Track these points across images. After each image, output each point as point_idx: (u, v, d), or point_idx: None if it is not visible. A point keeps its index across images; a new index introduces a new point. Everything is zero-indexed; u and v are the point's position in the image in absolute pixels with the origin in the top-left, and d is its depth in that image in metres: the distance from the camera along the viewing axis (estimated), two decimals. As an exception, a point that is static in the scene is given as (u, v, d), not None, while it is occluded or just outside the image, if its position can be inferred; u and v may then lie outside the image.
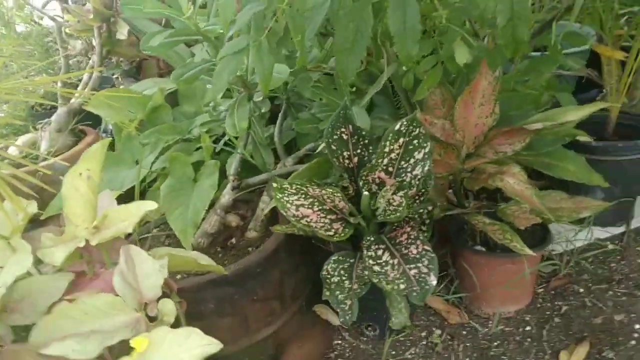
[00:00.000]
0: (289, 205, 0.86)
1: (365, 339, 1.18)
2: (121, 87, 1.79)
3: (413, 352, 1.14)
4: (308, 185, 0.86)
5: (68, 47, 2.21)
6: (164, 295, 0.64)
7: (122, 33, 1.61)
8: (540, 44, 1.42)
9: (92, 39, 1.70)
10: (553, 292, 1.24)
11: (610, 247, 1.37)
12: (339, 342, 1.19)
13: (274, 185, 0.86)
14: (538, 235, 1.15)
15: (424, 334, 1.18)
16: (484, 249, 1.10)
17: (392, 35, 0.77)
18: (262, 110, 1.32)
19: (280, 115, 1.23)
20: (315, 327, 1.17)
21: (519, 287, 1.10)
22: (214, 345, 0.52)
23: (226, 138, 1.16)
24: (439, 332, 1.18)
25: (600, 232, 1.42)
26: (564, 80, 1.86)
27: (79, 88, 1.78)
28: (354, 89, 1.12)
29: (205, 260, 0.74)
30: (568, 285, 1.25)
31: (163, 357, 0.50)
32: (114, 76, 2.08)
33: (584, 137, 1.32)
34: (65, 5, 1.76)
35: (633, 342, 1.09)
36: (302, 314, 1.16)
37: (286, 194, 0.86)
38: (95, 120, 1.75)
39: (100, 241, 0.60)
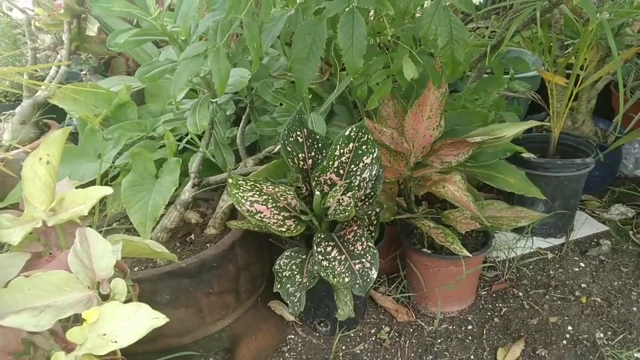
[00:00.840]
0: (244, 200, 0.91)
1: (317, 334, 1.23)
2: (89, 83, 1.80)
3: (362, 347, 1.19)
4: (262, 183, 0.91)
5: (37, 40, 2.20)
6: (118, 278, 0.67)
7: (92, 30, 1.64)
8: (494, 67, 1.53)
9: (62, 33, 1.72)
10: (494, 294, 1.33)
11: (550, 256, 1.47)
12: (292, 336, 1.23)
13: (230, 180, 0.91)
14: (480, 240, 1.23)
15: (373, 330, 1.24)
16: (429, 251, 1.17)
17: (340, 48, 0.85)
18: (228, 113, 1.37)
19: (243, 117, 1.29)
20: (269, 322, 1.21)
21: (462, 289, 1.19)
22: (160, 319, 0.57)
23: (189, 137, 1.21)
24: (387, 329, 1.24)
25: (542, 243, 1.53)
26: (517, 103, 2.00)
27: (45, 81, 1.79)
28: (310, 96, 1.19)
29: (159, 247, 0.78)
30: (508, 289, 1.34)
31: (112, 327, 0.54)
32: (82, 72, 2.09)
33: (527, 154, 1.43)
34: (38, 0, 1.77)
35: (564, 341, 1.18)
36: (257, 308, 1.21)
37: (241, 190, 0.92)
38: (60, 115, 1.75)
39: (57, 222, 0.63)
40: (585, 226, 1.60)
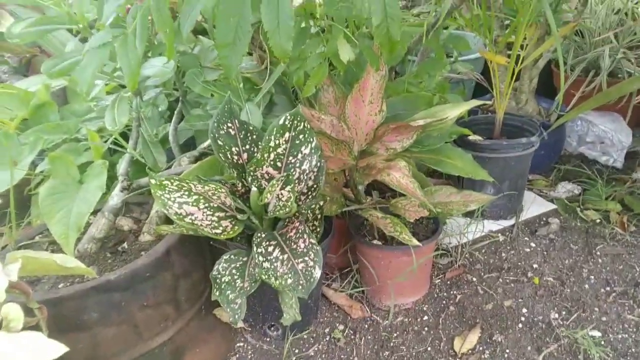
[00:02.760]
0: (170, 202, 0.83)
1: (268, 339, 1.16)
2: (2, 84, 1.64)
3: (316, 348, 1.14)
4: (190, 182, 0.83)
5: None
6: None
7: (5, 26, 1.48)
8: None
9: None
10: (449, 282, 1.30)
11: (501, 238, 1.47)
12: (241, 344, 1.16)
13: (152, 181, 0.82)
14: (430, 228, 1.20)
15: (327, 330, 1.19)
16: (380, 243, 1.13)
17: (265, 30, 0.77)
18: (160, 109, 1.27)
19: (175, 112, 1.19)
20: (215, 331, 1.13)
21: (415, 279, 1.15)
22: (59, 349, 0.48)
23: (113, 137, 1.10)
24: (342, 327, 1.19)
25: (493, 225, 1.52)
26: (462, 85, 1.99)
27: (-43, 86, 1.61)
28: (247, 87, 1.11)
29: (70, 262, 0.68)
30: (462, 275, 1.32)
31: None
32: (5, 74, 1.91)
33: (473, 136, 1.41)
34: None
35: (520, 325, 1.17)
36: (201, 318, 1.12)
37: (167, 191, 0.83)
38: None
39: None
40: (533, 206, 1.61)
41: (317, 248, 0.81)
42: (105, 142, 1.18)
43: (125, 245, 1.11)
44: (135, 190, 1.09)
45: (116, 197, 1.08)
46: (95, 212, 1.09)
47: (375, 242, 1.13)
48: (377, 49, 1.02)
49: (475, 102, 1.05)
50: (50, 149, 1.26)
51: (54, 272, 0.67)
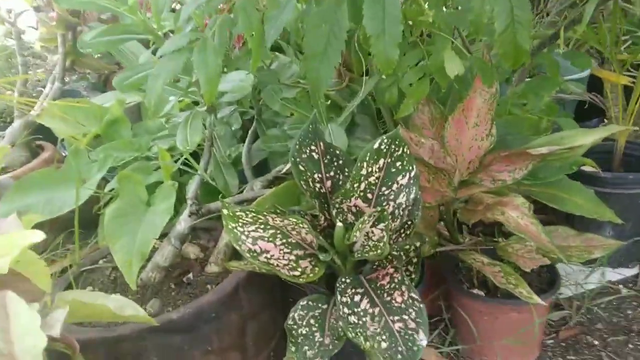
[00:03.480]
0: (244, 237, 0.70)
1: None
2: (78, 99, 1.65)
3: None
4: (267, 214, 0.70)
5: (47, 61, 2.07)
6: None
7: (86, 42, 1.48)
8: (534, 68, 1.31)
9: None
10: (563, 343, 1.07)
11: (624, 291, 1.21)
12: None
13: (224, 212, 0.71)
14: (544, 278, 0.99)
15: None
16: (482, 294, 0.94)
17: (368, 36, 0.64)
18: (233, 127, 1.17)
19: (250, 132, 1.09)
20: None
21: (525, 339, 0.94)
22: None
23: (184, 157, 1.01)
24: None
25: (612, 274, 1.27)
26: (561, 108, 1.75)
27: (39, 100, 1.64)
28: (328, 102, 0.98)
29: (129, 309, 0.57)
30: (580, 336, 1.08)
31: None
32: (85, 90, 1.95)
33: (591, 167, 1.18)
34: (39, 15, 1.64)
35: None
36: (268, 366, 0.99)
37: (240, 224, 0.71)
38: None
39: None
40: (661, 252, 1.33)
41: (421, 305, 0.64)
42: (176, 161, 1.09)
43: (190, 275, 1.01)
44: (205, 216, 0.99)
45: (184, 223, 0.98)
46: (161, 236, 1.00)
47: (475, 291, 0.95)
48: (489, 60, 0.85)
49: (615, 128, 0.85)
50: (121, 166, 1.20)
51: (108, 319, 0.56)
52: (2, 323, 0.43)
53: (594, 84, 1.50)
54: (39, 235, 0.46)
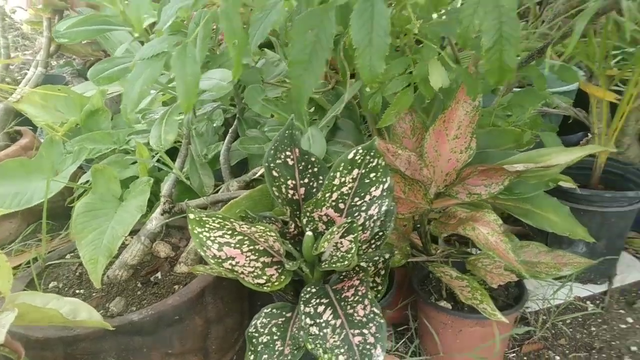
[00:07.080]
0: (209, 242, 0.69)
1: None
2: (59, 87, 1.61)
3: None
4: (234, 221, 0.69)
5: (35, 43, 2.03)
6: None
7: (68, 27, 1.45)
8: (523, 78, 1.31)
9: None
10: (526, 358, 1.08)
11: (591, 307, 1.22)
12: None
13: (190, 216, 0.69)
14: (512, 293, 1.00)
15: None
16: (449, 306, 0.94)
17: (354, 46, 0.63)
18: (215, 124, 1.16)
19: (230, 131, 1.07)
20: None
21: (486, 354, 0.94)
22: None
23: (158, 155, 0.99)
24: (393, 399, 1.00)
25: (580, 290, 1.28)
26: (547, 120, 1.75)
27: (20, 85, 1.60)
28: (312, 109, 0.97)
29: (85, 313, 0.55)
30: (543, 351, 1.10)
31: None
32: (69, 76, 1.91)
33: (568, 184, 1.19)
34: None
35: (613, 423, 0.94)
36: (232, 369, 0.98)
37: (207, 229, 0.70)
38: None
39: None
40: (631, 270, 1.35)
41: (381, 321, 0.64)
42: (153, 157, 1.08)
43: (159, 275, 0.99)
44: (177, 215, 0.98)
45: (155, 221, 0.97)
46: (132, 233, 0.98)
47: (443, 303, 0.95)
48: (474, 73, 0.85)
49: (593, 148, 0.85)
50: (98, 158, 1.18)
51: (59, 324, 0.55)
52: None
53: (582, 97, 1.50)
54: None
